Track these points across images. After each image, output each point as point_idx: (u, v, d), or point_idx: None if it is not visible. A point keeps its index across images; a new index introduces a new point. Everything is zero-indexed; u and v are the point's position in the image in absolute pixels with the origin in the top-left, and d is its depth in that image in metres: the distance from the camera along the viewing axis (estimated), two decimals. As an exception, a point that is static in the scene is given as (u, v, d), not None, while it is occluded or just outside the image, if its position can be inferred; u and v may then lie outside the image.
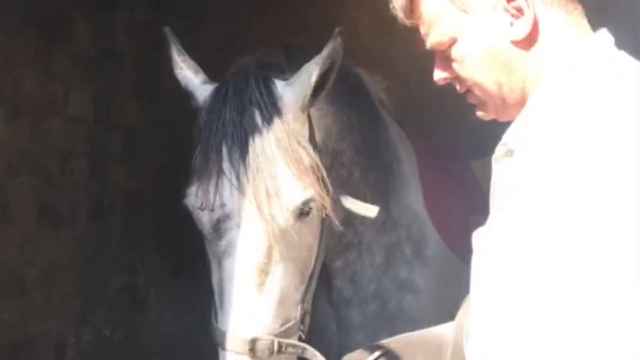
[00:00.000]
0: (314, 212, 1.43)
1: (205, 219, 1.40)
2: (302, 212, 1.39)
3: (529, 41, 1.10)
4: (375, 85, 2.00)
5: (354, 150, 1.75)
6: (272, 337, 1.32)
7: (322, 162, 1.49)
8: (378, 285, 1.86)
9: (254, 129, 1.36)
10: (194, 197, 1.41)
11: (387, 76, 3.48)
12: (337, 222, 1.52)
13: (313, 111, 1.56)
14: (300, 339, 1.43)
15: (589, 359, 0.91)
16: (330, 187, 1.50)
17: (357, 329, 1.87)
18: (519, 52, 1.11)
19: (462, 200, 1.99)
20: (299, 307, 1.43)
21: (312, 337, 1.95)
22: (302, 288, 1.45)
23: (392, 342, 1.30)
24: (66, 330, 3.84)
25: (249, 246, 1.35)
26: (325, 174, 1.48)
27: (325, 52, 1.44)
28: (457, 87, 1.22)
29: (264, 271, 1.35)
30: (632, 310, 0.89)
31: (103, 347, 3.98)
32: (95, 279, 3.95)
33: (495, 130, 1.38)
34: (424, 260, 1.89)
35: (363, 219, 1.76)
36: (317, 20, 3.90)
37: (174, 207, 1.50)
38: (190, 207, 1.43)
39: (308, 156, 1.42)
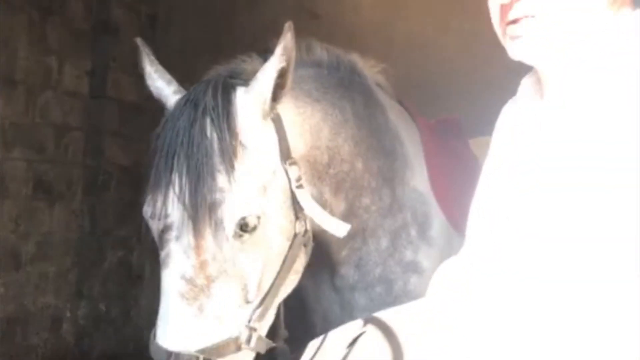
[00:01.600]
0: (264, 229, 1.37)
1: (153, 228, 1.40)
2: (245, 229, 1.34)
3: None
4: (370, 69, 1.97)
5: (352, 143, 1.70)
6: (195, 353, 1.29)
7: (296, 177, 1.46)
8: (384, 269, 1.83)
9: (202, 140, 1.33)
10: (147, 205, 1.41)
11: (387, 52, 3.46)
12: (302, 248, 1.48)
13: (293, 116, 1.51)
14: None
15: (588, 357, 0.91)
16: (300, 205, 1.46)
17: (362, 311, 1.86)
18: None
19: (464, 179, 1.97)
20: (243, 327, 1.37)
21: (316, 317, 1.96)
22: (249, 307, 1.39)
23: (382, 314, 1.29)
24: (62, 305, 3.86)
25: (182, 259, 1.32)
26: (288, 189, 1.45)
27: (278, 52, 1.37)
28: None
29: (197, 286, 1.32)
30: (631, 310, 0.89)
31: (98, 322, 4.00)
32: (91, 254, 3.96)
33: (494, 108, 1.37)
34: (429, 241, 1.86)
35: (368, 207, 1.75)
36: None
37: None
38: (144, 214, 1.43)
39: (262, 170, 1.39)
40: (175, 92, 1.50)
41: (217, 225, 1.32)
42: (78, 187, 3.93)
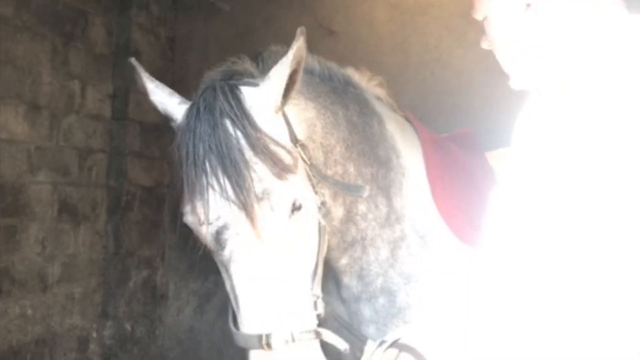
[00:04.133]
0: (306, 205, 1.47)
1: (204, 233, 1.45)
2: (294, 208, 1.44)
3: None
4: (367, 82, 2.02)
5: (344, 146, 1.77)
6: (286, 329, 1.37)
7: (307, 156, 1.55)
8: (385, 280, 1.87)
9: (229, 139, 1.40)
10: (190, 215, 1.46)
11: (404, 66, 3.47)
12: (321, 219, 1.56)
13: (291, 107, 1.59)
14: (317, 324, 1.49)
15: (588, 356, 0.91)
16: (314, 178, 1.56)
17: (368, 323, 1.89)
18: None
19: (474, 191, 1.97)
20: (309, 295, 1.48)
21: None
22: (309, 277, 1.50)
23: (407, 330, 1.32)
24: (88, 325, 3.89)
25: (248, 250, 1.40)
26: (308, 168, 1.54)
27: (290, 54, 1.45)
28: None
29: (270, 269, 1.40)
30: (632, 309, 0.89)
31: (124, 342, 4.03)
32: (116, 275, 4.00)
33: (511, 120, 1.37)
34: (431, 252, 1.88)
35: (365, 215, 1.80)
36: (331, 11, 3.89)
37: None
38: (190, 225, 1.48)
39: (288, 154, 1.46)
40: (180, 104, 1.57)
41: (273, 211, 1.40)
42: (102, 209, 3.98)
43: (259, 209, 1.38)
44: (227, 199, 1.38)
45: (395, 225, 1.86)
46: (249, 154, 1.40)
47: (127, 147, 4.02)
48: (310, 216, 1.51)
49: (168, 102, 1.59)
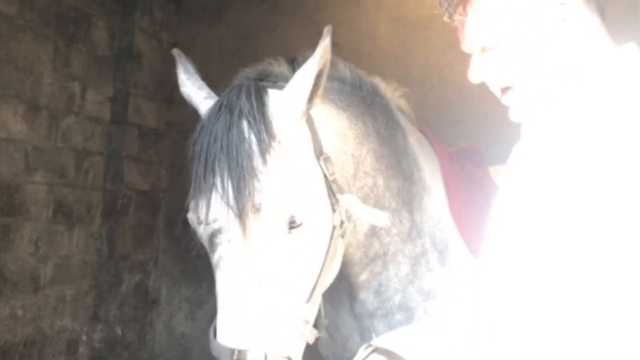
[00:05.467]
0: (309, 224, 1.40)
1: (201, 232, 1.41)
2: (293, 225, 1.37)
3: None
4: (392, 92, 1.98)
5: (374, 157, 1.71)
6: (260, 349, 1.31)
7: (329, 171, 1.49)
8: (404, 296, 1.81)
9: (240, 142, 1.35)
10: (192, 212, 1.43)
11: (405, 79, 3.48)
12: (334, 238, 1.49)
13: (323, 117, 1.55)
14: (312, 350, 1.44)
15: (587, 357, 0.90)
16: (335, 197, 1.49)
17: None
18: None
19: (484, 206, 1.95)
20: (299, 320, 1.40)
21: (336, 346, 1.94)
22: (302, 301, 1.41)
23: (385, 341, 1.29)
24: (78, 328, 3.87)
25: (235, 260, 1.34)
26: (324, 183, 1.48)
27: (318, 52, 1.40)
28: None
29: (254, 284, 1.34)
30: (632, 308, 0.88)
31: (114, 346, 4.01)
32: (108, 278, 3.98)
33: (512, 135, 1.37)
34: (449, 268, 1.85)
35: (389, 229, 1.75)
36: (335, 23, 3.91)
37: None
38: (190, 222, 1.45)
39: (301, 166, 1.41)
40: (206, 98, 1.52)
41: (267, 224, 1.34)
42: (97, 211, 3.97)
43: (253, 219, 1.32)
44: (227, 203, 1.34)
45: (417, 240, 1.81)
46: (257, 161, 1.35)
47: (125, 151, 4.02)
48: (315, 236, 1.43)
49: (195, 95, 1.54)
